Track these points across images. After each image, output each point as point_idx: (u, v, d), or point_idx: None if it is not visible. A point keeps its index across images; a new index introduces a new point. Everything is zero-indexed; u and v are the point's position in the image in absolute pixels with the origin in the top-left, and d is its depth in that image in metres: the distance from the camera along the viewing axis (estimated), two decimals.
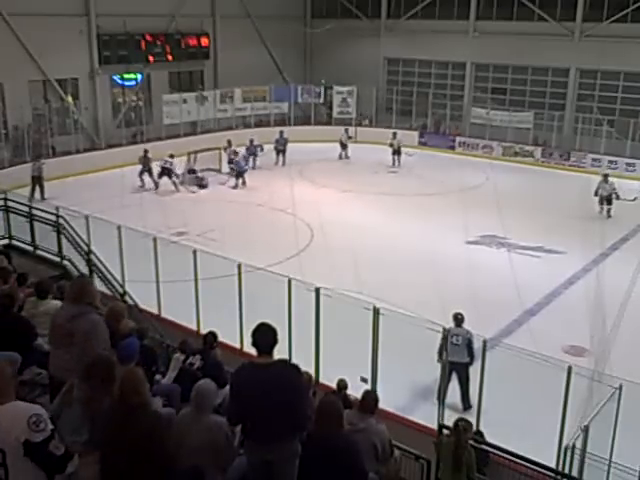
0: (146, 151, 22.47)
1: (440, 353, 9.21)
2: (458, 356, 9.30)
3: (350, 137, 27.53)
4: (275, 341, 4.13)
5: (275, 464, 4.13)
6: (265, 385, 4.01)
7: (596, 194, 19.69)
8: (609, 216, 19.49)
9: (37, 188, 20.07)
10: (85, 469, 3.78)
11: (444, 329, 9.00)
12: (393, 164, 25.78)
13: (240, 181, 22.59)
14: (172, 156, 22.14)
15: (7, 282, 7.41)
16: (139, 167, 22.18)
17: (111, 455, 3.81)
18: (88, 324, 4.84)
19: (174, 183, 22.03)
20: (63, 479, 3.63)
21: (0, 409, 3.48)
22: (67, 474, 3.61)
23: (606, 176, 19.94)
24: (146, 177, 22.10)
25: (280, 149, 25.65)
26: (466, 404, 9.42)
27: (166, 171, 21.98)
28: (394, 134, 26.23)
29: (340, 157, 26.96)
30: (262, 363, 4.08)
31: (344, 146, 26.94)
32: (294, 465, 4.18)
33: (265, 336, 4.10)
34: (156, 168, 22.02)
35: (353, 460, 4.27)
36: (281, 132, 26.09)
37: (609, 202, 19.59)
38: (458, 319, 9.57)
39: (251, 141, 24.97)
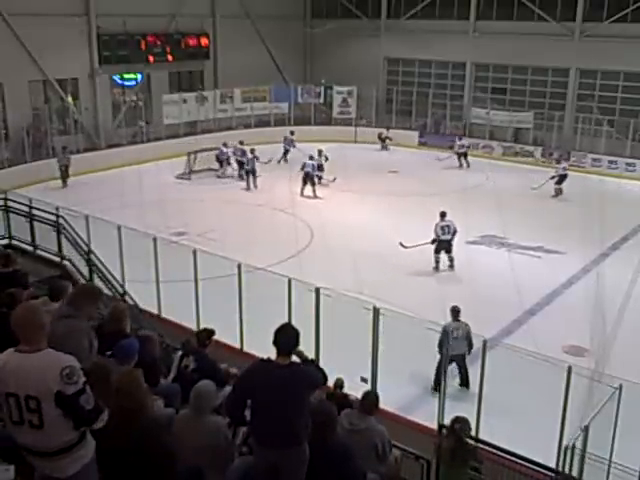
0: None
1: (441, 347, 9.48)
2: (459, 349, 9.72)
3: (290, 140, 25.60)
4: (296, 343, 4.10)
5: (281, 469, 4.09)
6: (278, 383, 3.99)
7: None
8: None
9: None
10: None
11: (445, 325, 9.51)
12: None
13: (252, 181, 21.96)
14: (312, 157, 21.65)
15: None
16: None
17: (109, 459, 3.77)
18: (65, 328, 4.64)
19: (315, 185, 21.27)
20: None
21: (32, 357, 3.38)
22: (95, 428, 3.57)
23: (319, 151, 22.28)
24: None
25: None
26: (467, 386, 9.91)
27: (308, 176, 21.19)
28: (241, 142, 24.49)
29: (279, 162, 25.08)
30: (279, 362, 4.06)
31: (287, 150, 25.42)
32: (302, 471, 4.15)
33: (287, 337, 4.07)
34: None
35: (348, 464, 4.29)
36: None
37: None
38: (455, 312, 9.93)
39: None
